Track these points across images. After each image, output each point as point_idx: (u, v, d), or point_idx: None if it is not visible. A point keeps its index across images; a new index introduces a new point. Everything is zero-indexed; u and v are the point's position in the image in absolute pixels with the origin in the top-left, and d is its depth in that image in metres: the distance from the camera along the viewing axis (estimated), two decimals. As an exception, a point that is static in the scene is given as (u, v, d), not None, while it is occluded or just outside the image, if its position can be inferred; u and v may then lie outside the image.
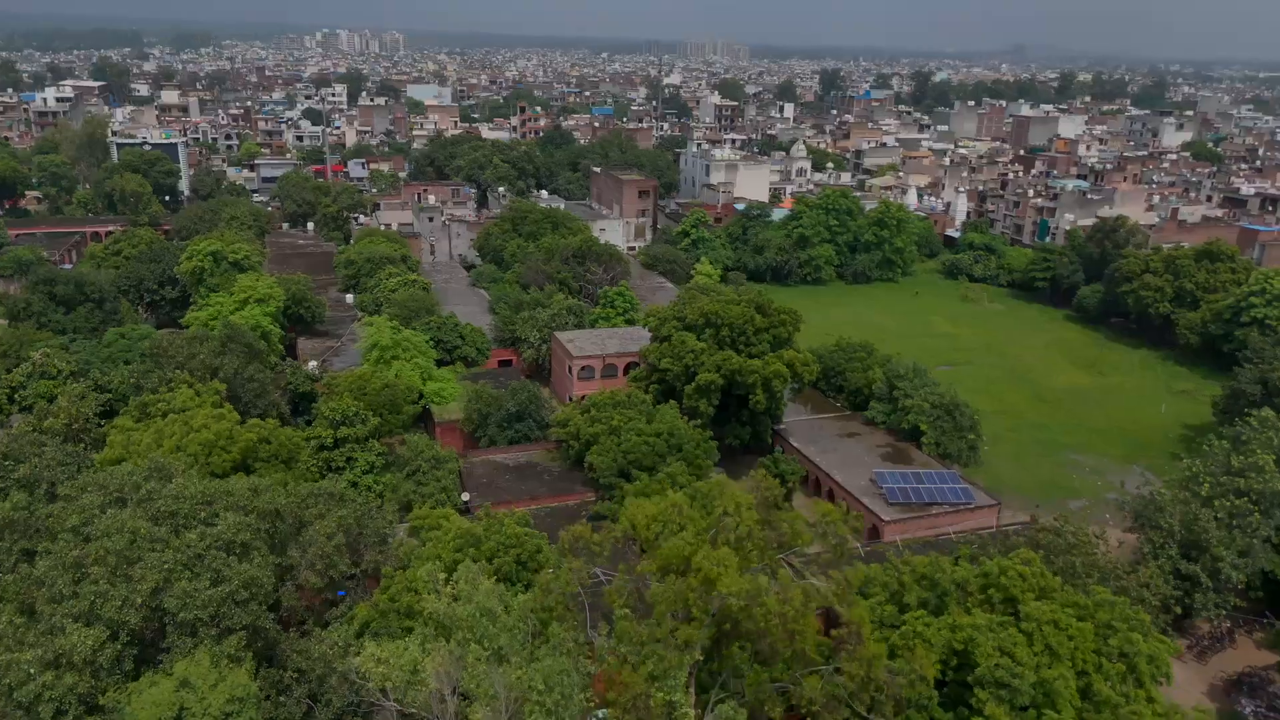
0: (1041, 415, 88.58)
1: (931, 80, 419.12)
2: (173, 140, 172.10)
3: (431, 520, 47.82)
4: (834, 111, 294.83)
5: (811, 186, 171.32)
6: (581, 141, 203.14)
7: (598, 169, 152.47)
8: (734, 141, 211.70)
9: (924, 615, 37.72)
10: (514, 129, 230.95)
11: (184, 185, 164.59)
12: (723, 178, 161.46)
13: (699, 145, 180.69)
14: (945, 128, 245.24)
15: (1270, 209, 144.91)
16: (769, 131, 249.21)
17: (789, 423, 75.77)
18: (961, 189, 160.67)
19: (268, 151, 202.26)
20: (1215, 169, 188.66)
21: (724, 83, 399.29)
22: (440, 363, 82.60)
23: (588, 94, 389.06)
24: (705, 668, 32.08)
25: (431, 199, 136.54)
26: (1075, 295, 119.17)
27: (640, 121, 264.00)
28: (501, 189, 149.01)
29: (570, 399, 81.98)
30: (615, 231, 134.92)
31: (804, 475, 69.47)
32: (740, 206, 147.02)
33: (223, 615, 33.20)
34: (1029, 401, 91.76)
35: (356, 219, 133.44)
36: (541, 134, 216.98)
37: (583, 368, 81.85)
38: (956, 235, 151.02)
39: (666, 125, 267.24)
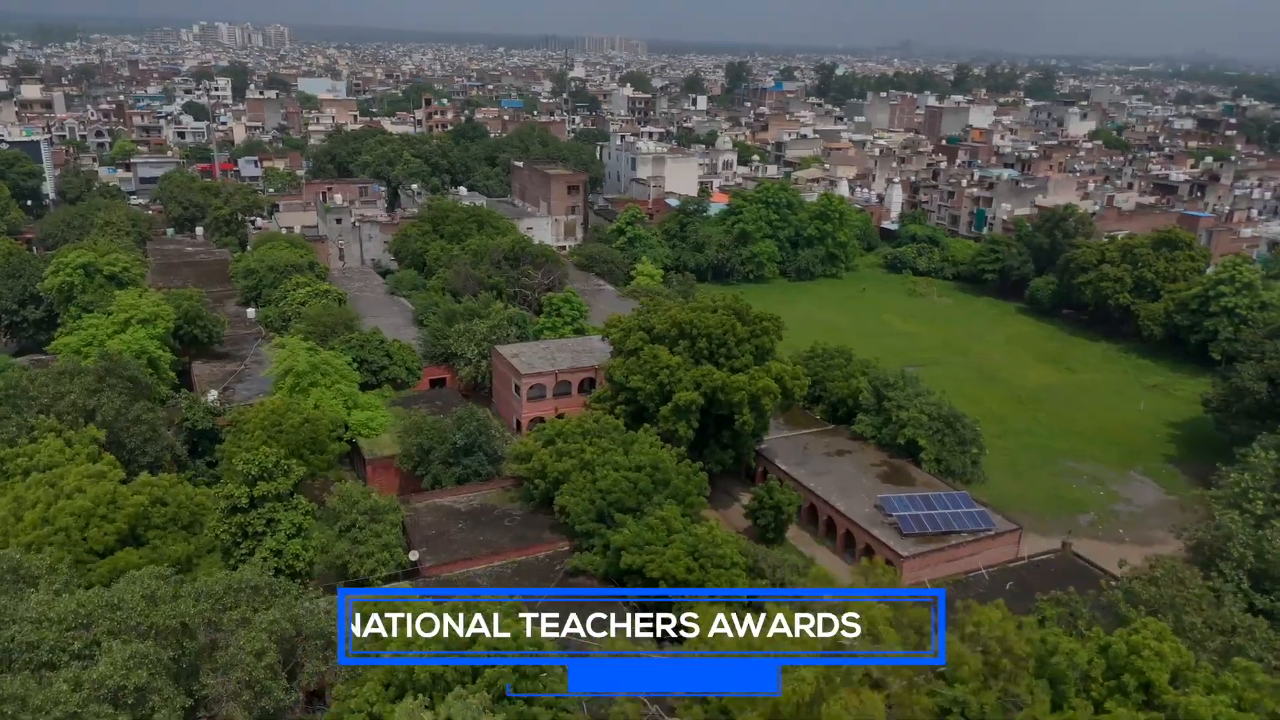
0: (1024, 419, 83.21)
1: (835, 74, 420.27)
2: (35, 138, 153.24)
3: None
4: (747, 104, 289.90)
5: (739, 180, 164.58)
6: (493, 135, 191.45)
7: (519, 163, 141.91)
8: (651, 134, 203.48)
9: (1044, 712, 29.81)
10: (419, 122, 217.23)
11: (49, 188, 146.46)
12: (650, 171, 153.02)
13: (622, 138, 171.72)
14: (863, 119, 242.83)
15: (1199, 195, 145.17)
16: (685, 124, 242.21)
17: (769, 441, 67.71)
18: (895, 180, 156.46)
19: (145, 149, 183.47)
20: (1132, 156, 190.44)
21: (631, 75, 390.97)
22: (365, 386, 71.59)
23: (491, 87, 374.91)
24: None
25: (338, 198, 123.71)
26: (1027, 287, 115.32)
27: (551, 115, 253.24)
28: (414, 186, 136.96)
29: (518, 422, 72.29)
30: (544, 230, 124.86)
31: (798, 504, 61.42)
32: (672, 201, 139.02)
33: (112, 808, 22.72)
34: (1007, 404, 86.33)
35: (253, 222, 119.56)
36: (450, 127, 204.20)
37: (532, 386, 72.07)
38: (894, 227, 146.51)
39: (578, 118, 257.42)
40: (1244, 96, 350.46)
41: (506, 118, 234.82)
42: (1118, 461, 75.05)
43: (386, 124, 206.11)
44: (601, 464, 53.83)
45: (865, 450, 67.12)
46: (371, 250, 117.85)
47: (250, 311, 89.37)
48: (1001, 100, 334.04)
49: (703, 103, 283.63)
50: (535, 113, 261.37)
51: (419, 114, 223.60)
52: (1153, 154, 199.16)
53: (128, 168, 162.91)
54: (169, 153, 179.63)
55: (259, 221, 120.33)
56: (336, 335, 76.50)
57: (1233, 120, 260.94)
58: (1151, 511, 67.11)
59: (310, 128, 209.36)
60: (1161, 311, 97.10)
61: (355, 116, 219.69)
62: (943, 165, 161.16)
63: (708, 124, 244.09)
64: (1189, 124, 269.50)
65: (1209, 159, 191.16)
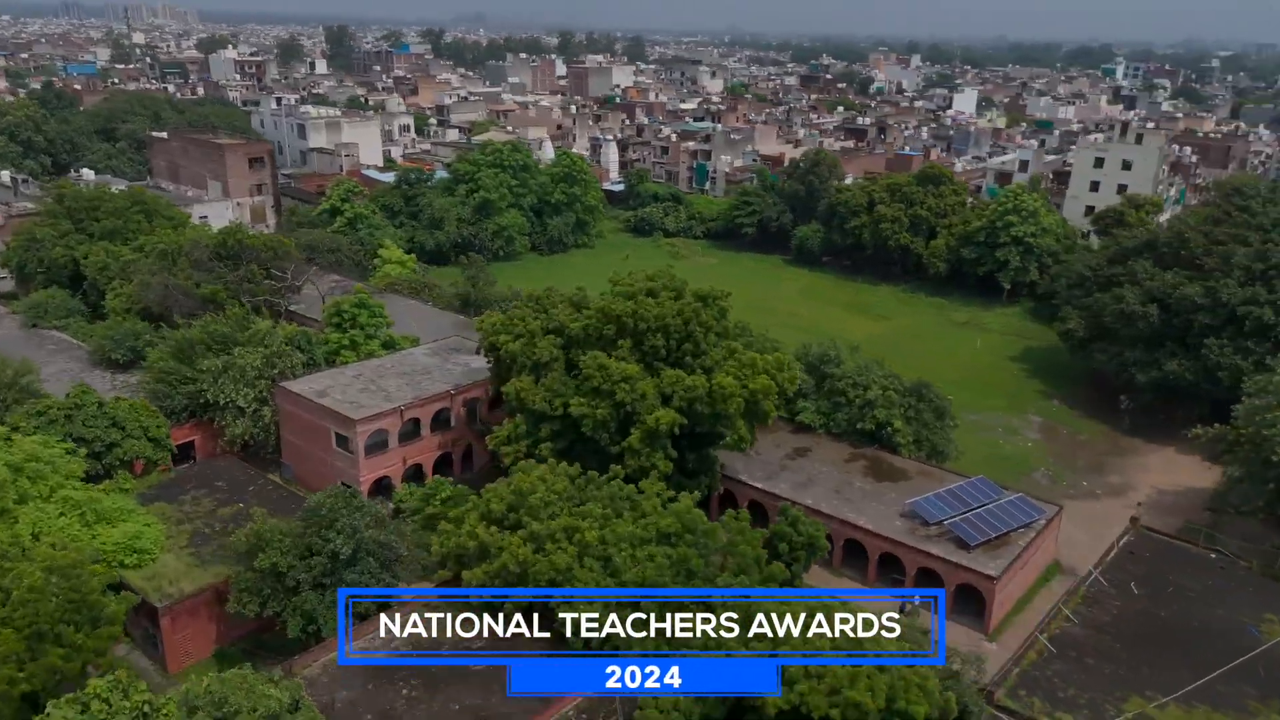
0: (890, 376, 76.33)
1: (444, 40, 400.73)
2: None
3: None
4: (376, 68, 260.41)
5: (429, 146, 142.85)
6: (82, 105, 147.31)
7: (162, 134, 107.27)
8: (293, 100, 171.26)
9: None
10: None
11: None
12: (325, 139, 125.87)
13: (279, 101, 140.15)
14: (517, 79, 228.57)
15: (882, 137, 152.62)
16: (314, 90, 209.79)
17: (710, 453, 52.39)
18: (608, 138, 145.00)
19: None
20: (788, 108, 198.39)
21: (212, 40, 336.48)
22: (88, 478, 43.89)
23: (25, 56, 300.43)
24: None
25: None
26: (792, 238, 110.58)
27: (137, 81, 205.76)
28: (4, 174, 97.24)
29: (355, 489, 49.09)
30: (224, 216, 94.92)
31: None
32: (372, 174, 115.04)
33: None
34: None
35: None
36: (10, 99, 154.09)
37: (372, 433, 49.30)
38: (617, 188, 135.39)
39: (172, 86, 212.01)
40: (825, 56, 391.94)
41: (78, 86, 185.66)
42: (1007, 408, 70.87)
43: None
44: (616, 543, 35.33)
45: (822, 443, 54.74)
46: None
47: None
48: (623, 64, 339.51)
49: (323, 66, 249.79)
50: (114, 81, 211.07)
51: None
52: (802, 104, 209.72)
53: None
54: None
55: None
56: (5, 407, 47.01)
57: (829, 76, 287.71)
58: (1086, 457, 63.20)
59: None
60: (944, 247, 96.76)
61: None
62: (645, 122, 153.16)
63: (340, 90, 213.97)
64: (793, 80, 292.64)
65: (841, 109, 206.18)
